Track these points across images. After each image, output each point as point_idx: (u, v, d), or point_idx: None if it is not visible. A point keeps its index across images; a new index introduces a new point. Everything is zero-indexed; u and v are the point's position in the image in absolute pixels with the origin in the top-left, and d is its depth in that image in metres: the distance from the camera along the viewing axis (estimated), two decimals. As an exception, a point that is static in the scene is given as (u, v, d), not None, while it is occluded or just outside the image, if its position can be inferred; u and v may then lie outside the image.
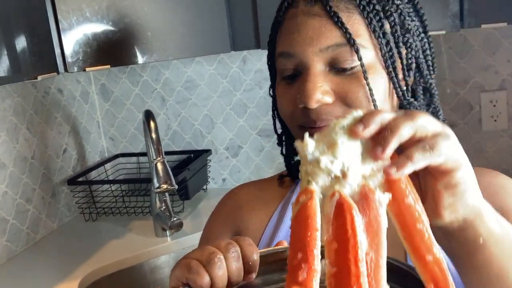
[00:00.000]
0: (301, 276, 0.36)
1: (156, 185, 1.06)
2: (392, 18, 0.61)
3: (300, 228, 0.38)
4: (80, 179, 1.50)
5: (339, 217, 0.38)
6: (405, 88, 0.63)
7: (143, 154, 1.69)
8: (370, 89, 0.59)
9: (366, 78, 0.59)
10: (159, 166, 1.07)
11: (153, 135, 1.09)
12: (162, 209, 1.29)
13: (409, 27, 0.62)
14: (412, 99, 0.63)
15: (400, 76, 0.62)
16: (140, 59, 1.07)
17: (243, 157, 1.63)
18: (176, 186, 1.08)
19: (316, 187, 0.40)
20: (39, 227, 1.38)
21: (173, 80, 1.62)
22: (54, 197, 1.45)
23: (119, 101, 1.68)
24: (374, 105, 0.60)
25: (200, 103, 1.61)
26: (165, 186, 1.05)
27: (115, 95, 1.68)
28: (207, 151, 1.61)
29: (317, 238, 0.37)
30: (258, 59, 1.53)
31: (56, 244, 1.35)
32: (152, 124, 1.11)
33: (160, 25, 1.10)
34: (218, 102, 1.60)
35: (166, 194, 1.09)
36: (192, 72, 1.59)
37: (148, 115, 1.13)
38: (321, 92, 0.59)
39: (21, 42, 0.90)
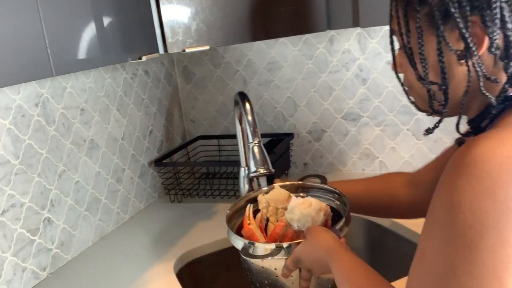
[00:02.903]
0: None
1: (253, 169, 1.03)
2: None
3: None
4: (165, 161, 1.51)
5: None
6: None
7: (224, 137, 1.68)
8: None
9: None
10: (256, 149, 1.04)
11: (249, 117, 1.06)
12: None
13: None
14: None
15: None
16: (244, 39, 1.04)
17: (326, 142, 1.58)
18: (273, 171, 1.05)
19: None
20: (128, 207, 1.41)
21: (255, 62, 1.58)
22: (142, 177, 1.47)
23: (200, 83, 1.67)
24: None
25: (283, 85, 1.57)
26: (262, 170, 1.03)
27: (197, 77, 1.67)
28: (289, 135, 1.58)
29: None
30: (346, 39, 1.46)
31: (144, 224, 1.36)
32: (247, 105, 1.08)
33: (259, 2, 1.06)
34: (301, 84, 1.55)
35: (260, 178, 1.06)
36: (276, 53, 1.55)
37: (244, 97, 1.10)
38: None
39: (122, 22, 0.90)
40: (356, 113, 1.52)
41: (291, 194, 0.97)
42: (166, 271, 1.09)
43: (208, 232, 1.26)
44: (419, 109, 0.73)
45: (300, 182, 1.04)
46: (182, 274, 1.13)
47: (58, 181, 1.15)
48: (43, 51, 0.71)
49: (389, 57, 1.44)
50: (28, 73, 0.69)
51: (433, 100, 0.67)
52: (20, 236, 1.05)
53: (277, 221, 0.94)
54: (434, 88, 0.66)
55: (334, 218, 0.92)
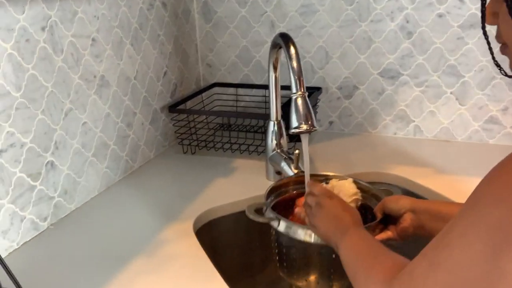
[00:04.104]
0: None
1: (295, 124, 0.89)
2: None
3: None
4: (180, 107, 1.35)
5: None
6: None
7: (242, 86, 1.52)
8: None
9: None
10: (300, 101, 0.89)
11: (294, 64, 0.90)
12: (278, 151, 1.13)
13: None
14: None
15: None
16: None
17: (358, 100, 1.43)
18: (317, 128, 0.91)
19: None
20: (138, 155, 1.26)
21: (287, 3, 1.41)
22: (153, 123, 1.32)
23: (222, 23, 1.49)
24: None
25: (316, 32, 1.41)
26: (305, 126, 0.88)
27: (218, 16, 1.49)
28: (318, 89, 1.43)
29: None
30: (395, -16, 1.29)
31: (155, 175, 1.22)
32: (292, 49, 0.92)
33: None
34: (337, 33, 1.39)
35: (302, 136, 0.92)
36: (312, -5, 1.38)
37: (288, 39, 0.94)
38: None
39: None
40: (395, 70, 1.37)
41: (359, 193, 0.91)
42: (185, 230, 0.96)
43: (228, 190, 1.12)
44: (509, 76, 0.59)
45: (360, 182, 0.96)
46: (200, 234, 1.01)
47: (64, 120, 1.00)
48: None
49: (442, 10, 1.28)
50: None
51: None
52: (19, 181, 0.90)
53: None
54: None
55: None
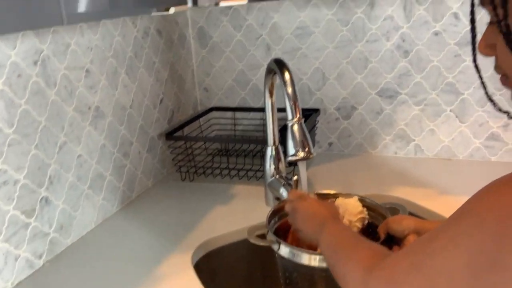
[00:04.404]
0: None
1: (292, 151, 0.87)
2: None
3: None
4: (177, 134, 1.34)
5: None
6: None
7: (240, 109, 1.51)
8: None
9: None
10: (296, 128, 0.87)
11: (289, 89, 0.89)
12: (277, 177, 1.12)
13: None
14: None
15: None
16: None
17: (356, 120, 1.42)
18: (315, 154, 0.89)
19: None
20: (135, 185, 1.24)
21: (282, 26, 1.40)
22: (150, 151, 1.30)
23: (217, 48, 1.49)
24: None
25: (312, 54, 1.40)
26: (302, 154, 0.87)
27: (214, 41, 1.48)
28: (316, 111, 1.41)
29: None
30: (390, 3, 1.28)
31: (153, 205, 1.20)
32: (287, 75, 0.91)
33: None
34: (333, 54, 1.38)
35: (299, 163, 0.90)
36: (306, 17, 1.37)
37: (282, 65, 0.93)
38: None
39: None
40: (393, 89, 1.36)
41: (365, 211, 0.90)
42: (183, 264, 0.93)
43: (227, 218, 1.10)
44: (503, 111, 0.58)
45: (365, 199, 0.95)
46: (199, 267, 0.98)
47: (58, 154, 0.98)
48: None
49: (438, 28, 1.27)
50: (33, 20, 0.51)
51: None
52: (13, 218, 0.88)
53: None
54: None
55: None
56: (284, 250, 0.84)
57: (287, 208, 0.85)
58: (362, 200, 0.93)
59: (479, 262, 0.45)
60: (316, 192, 1.01)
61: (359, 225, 0.89)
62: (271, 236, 0.87)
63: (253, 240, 0.88)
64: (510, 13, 0.48)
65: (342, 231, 0.72)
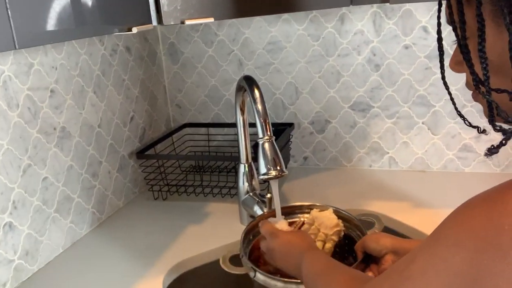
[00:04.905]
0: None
1: (263, 170, 0.86)
2: None
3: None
4: (148, 152, 1.31)
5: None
6: None
7: (213, 125, 1.49)
8: None
9: None
10: (267, 146, 0.86)
11: (259, 106, 0.88)
12: (251, 194, 1.10)
13: None
14: None
15: None
16: (262, 11, 0.85)
17: (331, 134, 1.41)
18: (287, 172, 0.88)
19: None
20: (105, 206, 1.21)
21: (253, 41, 1.39)
22: (121, 171, 1.27)
23: (189, 64, 1.47)
24: None
25: (284, 69, 1.39)
26: (274, 172, 0.85)
27: (185, 57, 1.47)
28: (290, 125, 1.40)
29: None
30: (360, 18, 1.29)
31: (124, 226, 1.17)
32: (257, 92, 0.90)
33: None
34: (305, 69, 1.38)
35: (271, 182, 0.89)
36: (277, 32, 1.37)
37: (252, 82, 0.92)
38: None
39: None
40: (366, 102, 1.36)
41: (340, 224, 0.90)
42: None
43: (201, 238, 1.08)
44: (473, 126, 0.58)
45: (338, 210, 0.95)
46: (172, 290, 0.96)
47: (22, 178, 0.95)
48: (3, 17, 0.51)
49: (408, 41, 1.28)
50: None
51: (498, 112, 0.50)
52: (-27, 247, 0.84)
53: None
54: (500, 98, 0.49)
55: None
56: (260, 278, 0.82)
57: (262, 247, 0.85)
58: (337, 211, 0.92)
59: (459, 284, 0.44)
60: (290, 204, 1.00)
61: (335, 238, 0.88)
62: (246, 263, 0.84)
63: (228, 269, 0.86)
64: (469, 34, 0.48)
65: (319, 259, 0.72)
